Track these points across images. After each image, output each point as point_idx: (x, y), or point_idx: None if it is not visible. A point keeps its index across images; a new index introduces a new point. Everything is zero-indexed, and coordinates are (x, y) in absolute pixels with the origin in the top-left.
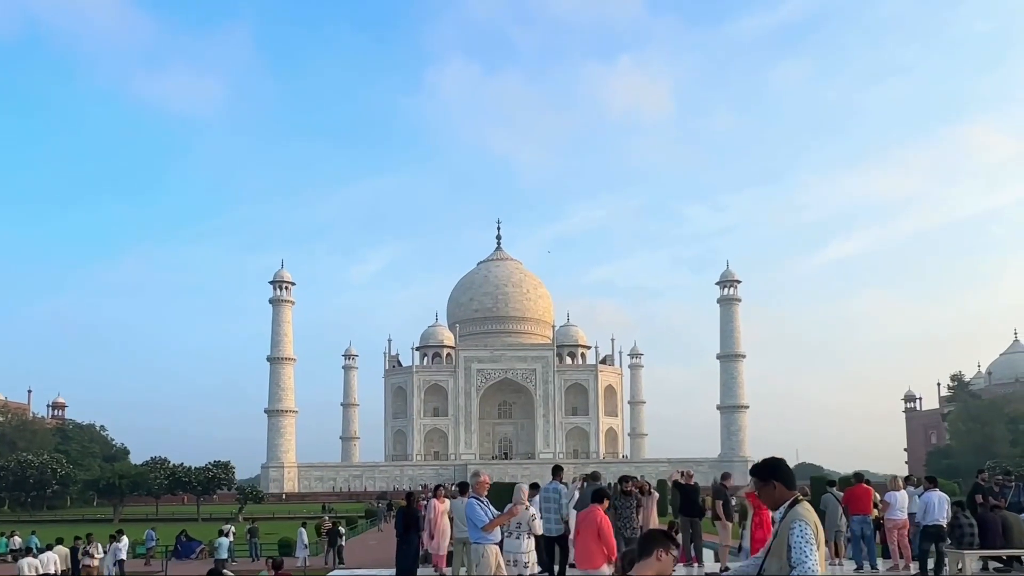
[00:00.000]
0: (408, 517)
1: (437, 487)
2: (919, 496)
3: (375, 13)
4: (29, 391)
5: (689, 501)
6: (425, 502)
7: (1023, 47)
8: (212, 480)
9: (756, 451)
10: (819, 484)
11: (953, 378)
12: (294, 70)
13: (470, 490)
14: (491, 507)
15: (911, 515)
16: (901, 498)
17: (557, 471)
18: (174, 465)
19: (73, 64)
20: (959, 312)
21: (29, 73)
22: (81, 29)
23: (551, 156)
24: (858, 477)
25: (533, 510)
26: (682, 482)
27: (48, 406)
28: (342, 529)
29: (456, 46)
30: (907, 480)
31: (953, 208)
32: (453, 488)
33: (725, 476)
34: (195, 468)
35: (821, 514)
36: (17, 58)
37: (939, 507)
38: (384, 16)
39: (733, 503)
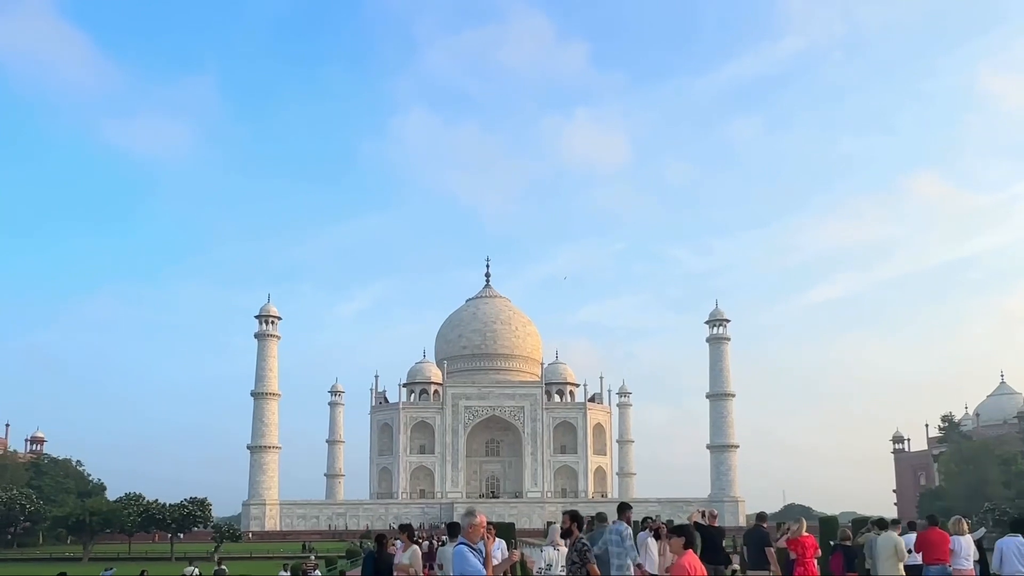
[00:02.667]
0: (379, 564)
1: (402, 528)
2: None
3: (336, 65)
4: (7, 425)
5: (713, 546)
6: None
7: (984, 102)
8: (187, 517)
9: (746, 491)
10: (859, 525)
11: (944, 419)
12: (262, 116)
13: (460, 534)
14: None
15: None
16: (966, 544)
17: (623, 509)
18: (148, 502)
19: (42, 107)
20: (944, 354)
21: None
22: (49, 77)
23: (527, 202)
24: (932, 520)
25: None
26: (704, 523)
27: (26, 440)
28: (317, 573)
29: (419, 97)
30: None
31: (933, 254)
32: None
33: (762, 517)
34: (170, 505)
35: (860, 559)
36: None
37: (1020, 556)
38: (346, 67)
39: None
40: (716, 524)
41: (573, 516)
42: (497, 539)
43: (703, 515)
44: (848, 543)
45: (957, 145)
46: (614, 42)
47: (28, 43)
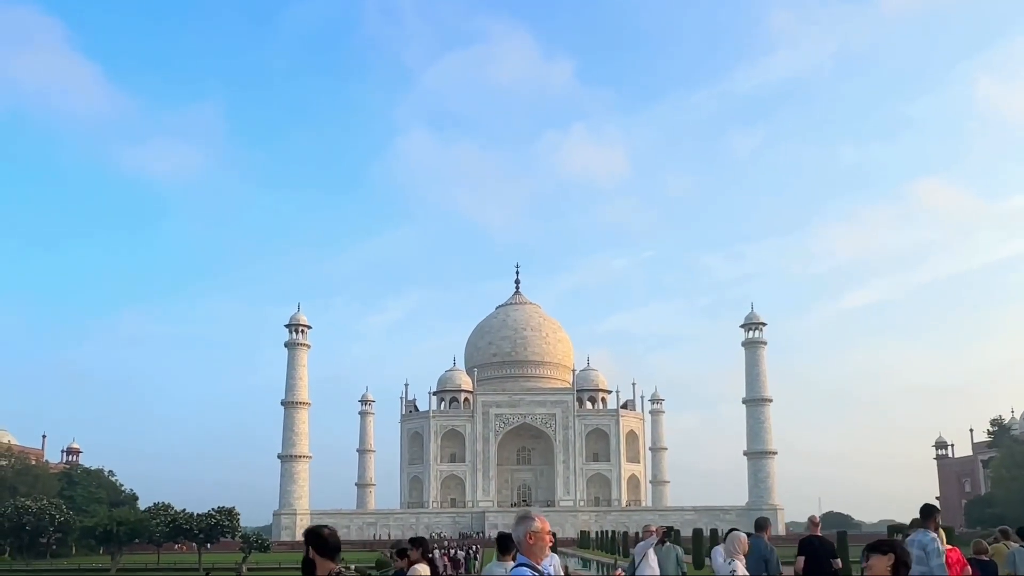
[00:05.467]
0: None
1: (413, 541)
2: None
3: (339, 89)
4: (43, 436)
5: (819, 562)
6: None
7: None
8: (215, 527)
9: (784, 499)
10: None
11: (993, 423)
12: (272, 138)
13: (518, 549)
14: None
15: None
16: None
17: (929, 512)
18: (176, 511)
19: (59, 133)
20: (985, 359)
21: (19, 143)
22: (65, 106)
23: (544, 215)
24: None
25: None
26: (810, 534)
27: (62, 451)
28: None
29: (419, 118)
30: None
31: (970, 258)
32: (438, 537)
33: (926, 515)
34: (197, 515)
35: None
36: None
37: None
38: (350, 91)
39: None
40: (819, 533)
41: (411, 545)
42: (551, 552)
43: (806, 524)
44: (984, 557)
45: (976, 151)
46: (598, 59)
47: (44, 75)
